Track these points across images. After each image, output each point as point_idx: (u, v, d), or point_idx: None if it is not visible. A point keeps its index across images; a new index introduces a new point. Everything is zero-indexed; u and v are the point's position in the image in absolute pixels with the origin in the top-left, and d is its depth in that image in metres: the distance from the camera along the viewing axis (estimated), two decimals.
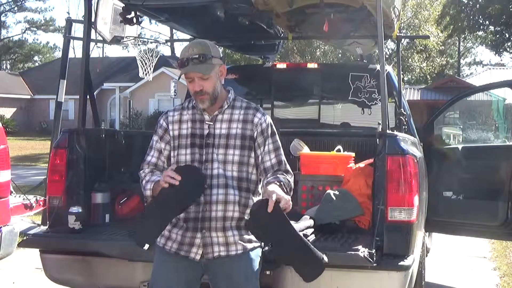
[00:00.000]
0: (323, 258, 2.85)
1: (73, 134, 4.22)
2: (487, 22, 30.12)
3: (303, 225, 3.79)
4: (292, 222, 3.75)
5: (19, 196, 7.29)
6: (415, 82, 41.83)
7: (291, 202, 2.83)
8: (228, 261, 2.96)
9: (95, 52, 55.90)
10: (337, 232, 3.91)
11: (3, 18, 59.02)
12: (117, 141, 4.76)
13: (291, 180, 3.05)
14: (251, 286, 3.01)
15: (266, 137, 3.05)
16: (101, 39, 6.13)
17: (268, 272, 3.40)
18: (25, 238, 4.52)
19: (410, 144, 4.07)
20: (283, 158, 3.09)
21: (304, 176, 4.55)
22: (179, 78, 2.97)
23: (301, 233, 3.59)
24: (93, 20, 5.27)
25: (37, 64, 59.52)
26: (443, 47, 44.66)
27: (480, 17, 29.86)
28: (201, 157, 3.00)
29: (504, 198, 5.09)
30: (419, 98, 30.37)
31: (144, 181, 3.04)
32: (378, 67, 5.43)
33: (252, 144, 3.03)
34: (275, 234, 2.78)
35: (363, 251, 3.39)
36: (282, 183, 2.93)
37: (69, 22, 8.59)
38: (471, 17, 29.87)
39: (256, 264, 3.03)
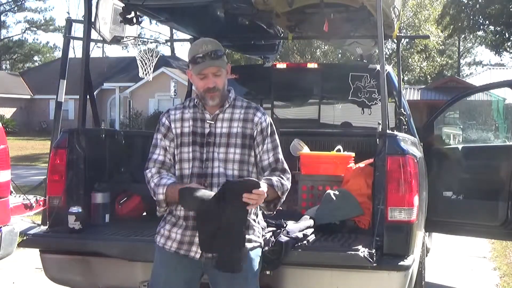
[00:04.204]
0: (237, 267, 2.85)
1: (73, 134, 4.22)
2: (487, 22, 30.13)
3: (303, 225, 3.79)
4: (291, 222, 3.78)
5: (19, 196, 7.29)
6: (415, 82, 41.83)
7: (261, 200, 2.82)
8: None
9: (95, 52, 56.00)
10: (337, 232, 3.92)
11: (3, 18, 59.08)
12: (117, 141, 4.76)
13: (287, 181, 3.04)
14: (251, 286, 3.01)
15: (265, 136, 3.06)
16: (101, 39, 6.14)
17: (268, 272, 3.41)
18: (25, 238, 4.52)
19: (410, 144, 4.07)
20: (281, 156, 3.09)
21: (304, 176, 4.55)
22: (197, 74, 2.97)
23: (300, 233, 3.61)
24: (93, 20, 5.27)
25: (37, 64, 59.52)
26: (443, 46, 44.67)
27: (480, 17, 29.87)
28: (201, 155, 3.01)
29: (504, 198, 5.09)
30: (419, 98, 30.38)
31: (152, 184, 3.02)
32: (378, 67, 5.43)
33: (252, 143, 3.04)
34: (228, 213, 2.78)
35: (363, 251, 3.39)
36: (274, 186, 2.95)
37: (69, 22, 8.61)
38: (471, 17, 29.87)
39: (256, 264, 3.03)
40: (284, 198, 3.05)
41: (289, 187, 3.07)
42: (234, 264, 2.83)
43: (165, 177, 3.02)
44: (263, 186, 2.83)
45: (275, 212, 3.08)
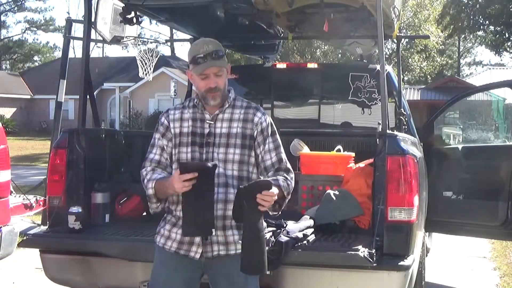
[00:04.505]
0: (265, 267, 2.85)
1: (73, 134, 4.22)
2: (487, 22, 30.13)
3: (303, 225, 3.79)
4: (291, 222, 3.78)
5: (19, 196, 7.29)
6: (415, 82, 41.84)
7: (272, 201, 2.81)
8: (227, 260, 2.96)
9: (95, 52, 55.99)
10: (337, 232, 3.92)
11: (3, 18, 59.09)
12: (117, 141, 4.76)
13: (291, 181, 3.04)
14: (250, 286, 3.01)
15: (266, 136, 3.06)
16: (101, 39, 6.14)
17: (268, 272, 3.40)
18: (25, 238, 4.53)
19: (410, 144, 4.07)
20: (284, 156, 3.09)
21: (304, 176, 4.55)
22: (199, 74, 2.96)
23: (300, 233, 3.61)
24: (93, 20, 5.28)
25: (37, 64, 59.51)
26: (443, 46, 44.67)
27: (480, 17, 29.87)
28: (201, 155, 3.01)
29: (504, 198, 5.09)
30: (419, 98, 30.38)
31: (145, 180, 3.03)
32: (378, 67, 5.44)
33: (252, 143, 3.04)
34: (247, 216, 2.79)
35: (363, 251, 3.39)
36: (281, 187, 2.94)
37: (69, 22, 8.61)
38: (471, 17, 29.87)
39: None
40: (289, 198, 3.05)
41: (293, 186, 3.07)
42: (259, 266, 2.83)
43: (156, 173, 3.02)
44: (273, 187, 2.83)
45: (280, 212, 3.08)
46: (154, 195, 2.98)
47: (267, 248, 3.27)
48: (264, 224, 3.26)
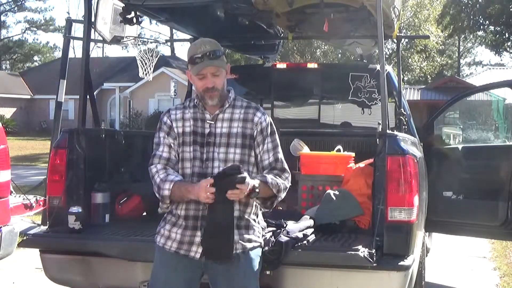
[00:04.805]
0: (230, 257, 2.89)
1: (73, 134, 4.22)
2: (487, 22, 30.13)
3: (303, 225, 3.79)
4: (291, 222, 3.79)
5: (19, 196, 7.28)
6: (415, 82, 41.84)
7: (242, 194, 2.84)
8: None
9: (95, 52, 55.99)
10: (337, 232, 3.92)
11: (3, 18, 59.07)
12: (117, 141, 4.76)
13: (285, 180, 3.05)
14: (250, 286, 3.02)
15: (266, 136, 3.07)
16: (101, 39, 6.14)
17: (268, 272, 3.41)
18: (25, 238, 4.52)
19: (410, 144, 4.07)
20: (280, 156, 3.10)
21: (304, 176, 4.55)
22: (196, 74, 2.98)
23: (300, 233, 3.61)
24: (93, 20, 5.28)
25: (37, 64, 59.50)
26: (443, 46, 44.69)
27: (480, 17, 29.87)
28: (202, 155, 3.02)
29: (504, 198, 5.09)
30: (419, 98, 30.39)
31: (158, 179, 3.01)
32: (378, 67, 5.44)
33: (252, 143, 3.05)
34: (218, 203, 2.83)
35: (363, 251, 3.39)
36: (268, 184, 2.96)
37: (69, 22, 8.61)
38: (471, 17, 29.88)
39: (256, 264, 3.03)
40: (282, 197, 3.06)
41: (287, 186, 3.07)
42: (221, 253, 2.87)
43: (172, 174, 3.01)
44: (251, 182, 2.85)
45: (271, 210, 3.09)
46: (169, 196, 2.98)
47: (266, 248, 3.29)
48: (264, 224, 3.27)
